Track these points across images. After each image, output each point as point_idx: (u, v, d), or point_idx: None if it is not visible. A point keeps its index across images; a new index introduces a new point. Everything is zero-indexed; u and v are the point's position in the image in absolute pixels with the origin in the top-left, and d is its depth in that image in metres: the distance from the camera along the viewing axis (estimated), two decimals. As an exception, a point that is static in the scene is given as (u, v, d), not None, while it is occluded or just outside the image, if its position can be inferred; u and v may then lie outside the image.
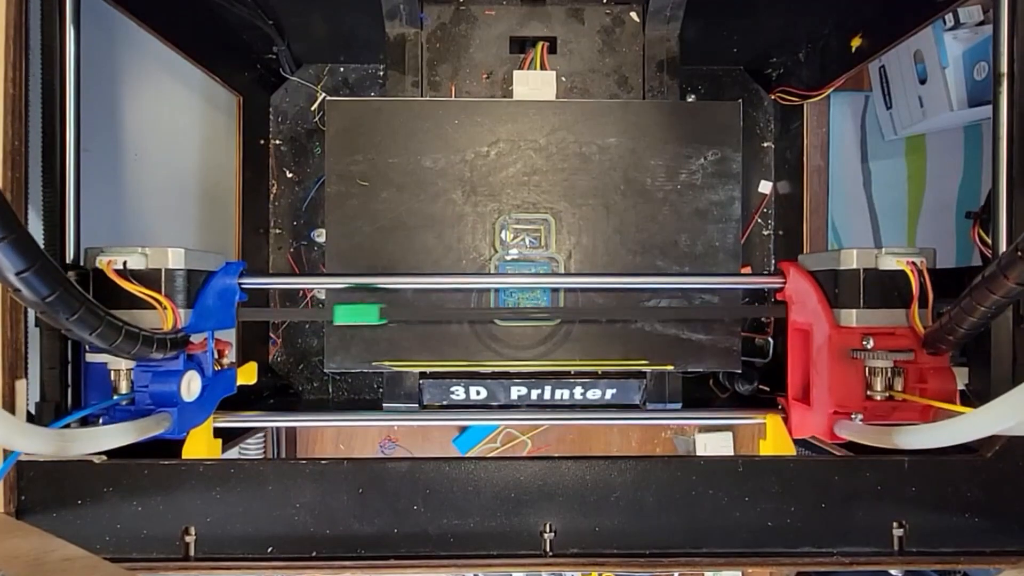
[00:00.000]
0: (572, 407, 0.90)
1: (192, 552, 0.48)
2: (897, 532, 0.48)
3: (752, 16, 0.85)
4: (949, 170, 1.22)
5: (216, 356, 0.60)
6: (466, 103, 0.75)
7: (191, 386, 0.55)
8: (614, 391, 0.78)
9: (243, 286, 0.61)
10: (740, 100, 0.79)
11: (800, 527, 0.49)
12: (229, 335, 0.64)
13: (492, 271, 0.73)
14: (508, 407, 0.79)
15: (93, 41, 0.62)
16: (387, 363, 0.73)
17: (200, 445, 0.57)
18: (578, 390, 0.78)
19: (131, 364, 0.53)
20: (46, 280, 0.36)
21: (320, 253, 0.95)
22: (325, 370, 0.76)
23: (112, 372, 0.53)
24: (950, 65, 1.03)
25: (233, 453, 0.86)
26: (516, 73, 0.77)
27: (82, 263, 0.54)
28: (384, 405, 0.79)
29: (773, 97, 0.96)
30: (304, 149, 0.97)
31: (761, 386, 0.93)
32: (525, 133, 0.74)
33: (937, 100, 1.07)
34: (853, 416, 0.57)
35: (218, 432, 0.60)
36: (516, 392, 0.77)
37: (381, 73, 0.97)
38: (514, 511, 0.49)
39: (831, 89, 0.85)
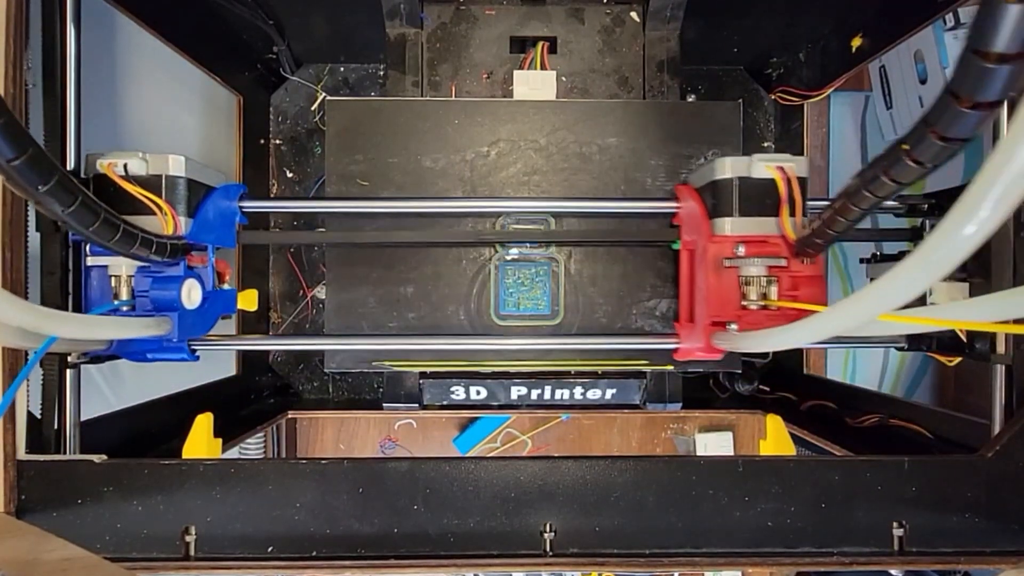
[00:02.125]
0: (572, 407, 0.90)
1: (192, 552, 0.48)
2: (897, 532, 0.48)
3: (752, 16, 0.85)
4: (949, 170, 1.22)
5: (217, 278, 0.60)
6: (466, 103, 0.75)
7: (191, 294, 0.55)
8: (614, 391, 0.78)
9: (243, 209, 0.62)
10: (740, 100, 0.79)
11: (800, 527, 0.49)
12: (228, 256, 0.64)
13: (492, 271, 0.73)
14: (508, 407, 0.79)
15: (93, 41, 0.62)
16: (387, 363, 0.73)
17: (200, 445, 0.57)
18: (578, 390, 0.78)
19: (131, 270, 0.53)
20: (39, 169, 0.35)
21: (320, 252, 0.95)
22: (325, 370, 0.76)
23: (112, 279, 0.53)
24: (950, 65, 1.03)
25: (233, 453, 0.86)
26: (516, 73, 0.77)
27: (83, 174, 0.54)
28: (384, 405, 0.79)
29: (773, 97, 0.96)
30: (304, 149, 0.97)
31: (761, 386, 0.93)
32: (525, 133, 0.74)
33: (937, 100, 1.07)
34: (729, 326, 0.57)
35: (220, 430, 0.60)
36: (516, 392, 0.77)
37: (381, 73, 0.97)
38: (514, 511, 0.49)
39: (831, 89, 0.85)
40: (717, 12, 0.83)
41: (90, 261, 0.53)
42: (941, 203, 0.61)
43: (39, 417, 0.51)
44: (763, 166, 0.57)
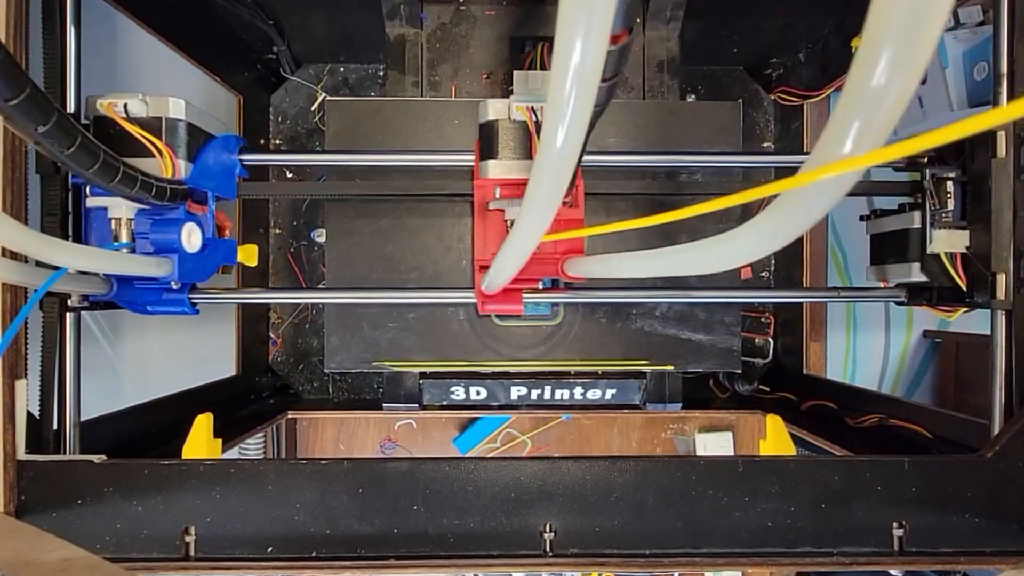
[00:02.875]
0: (572, 407, 0.90)
1: (192, 552, 0.48)
2: (897, 532, 0.48)
3: (752, 16, 0.85)
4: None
5: (217, 231, 0.60)
6: (466, 103, 0.75)
7: (191, 237, 0.55)
8: (614, 391, 0.78)
9: (243, 162, 0.62)
10: (740, 100, 0.79)
11: (800, 527, 0.49)
12: (229, 211, 0.64)
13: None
14: (508, 407, 0.79)
15: (94, 41, 0.62)
16: (387, 363, 0.73)
17: (200, 445, 0.57)
18: (578, 390, 0.78)
19: (131, 212, 0.53)
20: (37, 109, 0.35)
21: (320, 253, 0.95)
22: (325, 370, 0.76)
23: (112, 221, 0.53)
24: (950, 65, 1.03)
25: (233, 453, 0.86)
26: (516, 73, 0.77)
27: (83, 118, 0.54)
28: (384, 405, 0.79)
29: (773, 97, 0.96)
30: (304, 149, 0.97)
31: (761, 386, 0.93)
32: (525, 133, 0.74)
33: (937, 100, 1.07)
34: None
35: (220, 430, 0.60)
36: (516, 392, 0.77)
37: (381, 73, 0.97)
38: (514, 511, 0.49)
39: (831, 89, 0.85)
40: (717, 12, 0.83)
41: (90, 203, 0.53)
42: (942, 155, 0.60)
43: (39, 416, 0.51)
44: (516, 107, 0.57)
